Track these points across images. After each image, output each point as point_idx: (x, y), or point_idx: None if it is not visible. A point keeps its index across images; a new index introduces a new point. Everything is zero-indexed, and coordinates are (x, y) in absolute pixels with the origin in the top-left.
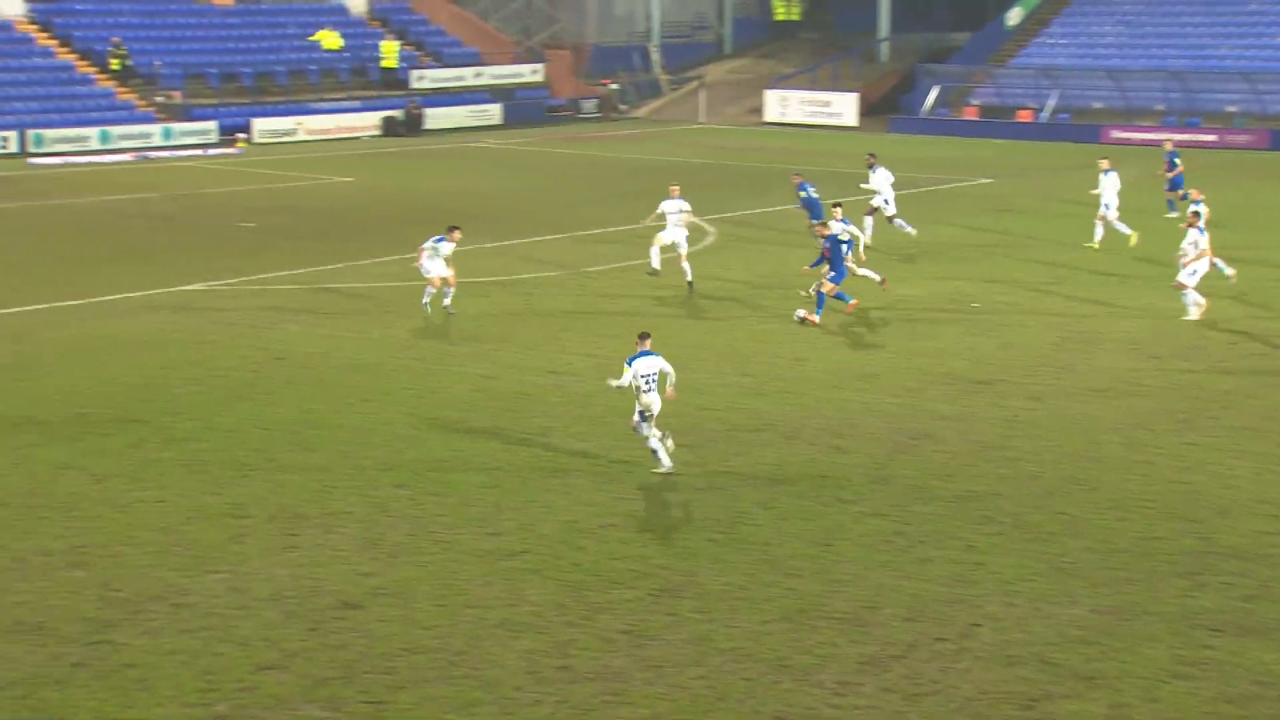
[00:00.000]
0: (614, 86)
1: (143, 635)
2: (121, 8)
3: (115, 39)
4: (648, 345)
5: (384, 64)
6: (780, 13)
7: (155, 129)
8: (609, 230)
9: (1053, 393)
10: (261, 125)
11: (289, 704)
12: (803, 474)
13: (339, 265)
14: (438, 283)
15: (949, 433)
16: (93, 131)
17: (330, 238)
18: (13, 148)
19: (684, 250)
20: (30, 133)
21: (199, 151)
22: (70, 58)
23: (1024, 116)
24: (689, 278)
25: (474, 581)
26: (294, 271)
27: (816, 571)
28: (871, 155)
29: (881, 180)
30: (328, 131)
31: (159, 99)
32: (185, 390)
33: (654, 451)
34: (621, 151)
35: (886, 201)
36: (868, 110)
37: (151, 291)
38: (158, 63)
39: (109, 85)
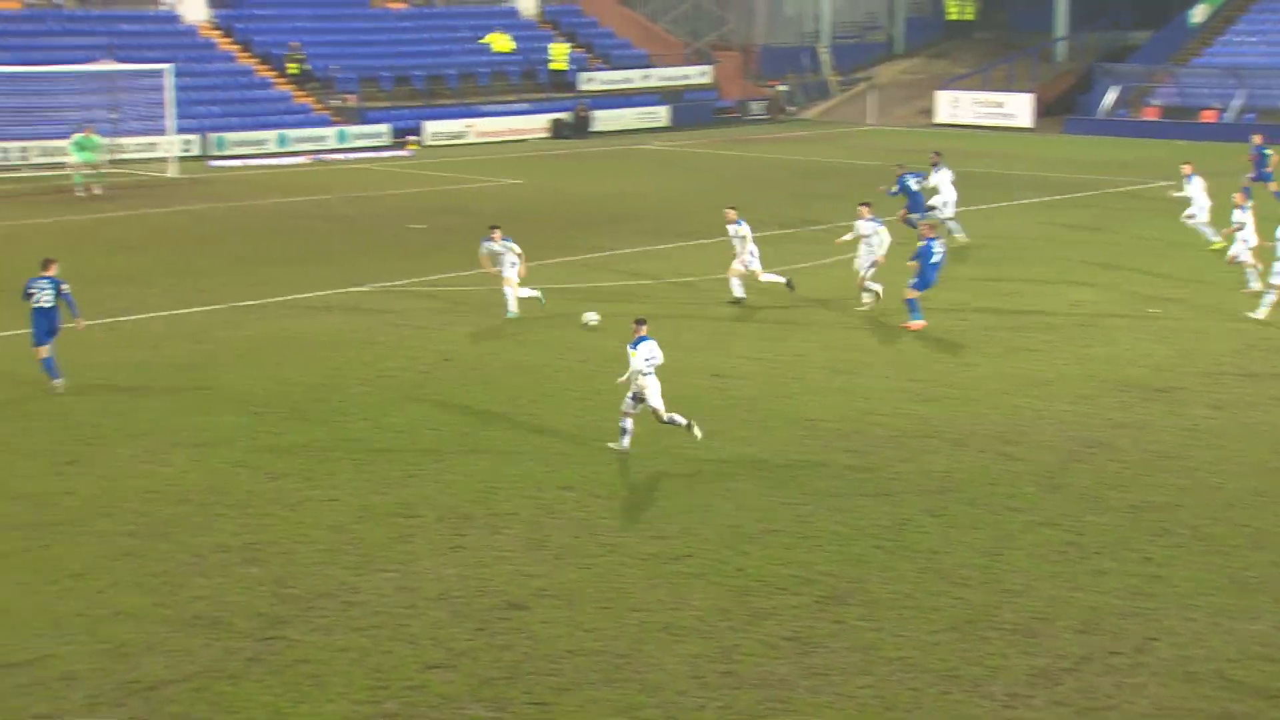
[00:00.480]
0: (782, 88)
1: (314, 632)
2: (299, 12)
3: (293, 43)
4: (644, 331)
5: (553, 66)
6: (953, 12)
7: (330, 132)
8: (777, 233)
9: (1235, 401)
10: (432, 128)
11: (456, 703)
12: (971, 481)
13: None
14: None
15: (1125, 441)
16: (271, 134)
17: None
18: (195, 150)
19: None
20: (212, 136)
21: (372, 154)
22: (250, 62)
23: (1208, 117)
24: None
25: (638, 585)
26: (463, 273)
27: (986, 581)
28: (936, 154)
29: (943, 180)
30: (497, 134)
31: (334, 102)
32: (357, 390)
33: (624, 430)
34: (790, 153)
35: (945, 204)
36: (1043, 111)
37: (326, 292)
38: (334, 66)
39: (287, 89)
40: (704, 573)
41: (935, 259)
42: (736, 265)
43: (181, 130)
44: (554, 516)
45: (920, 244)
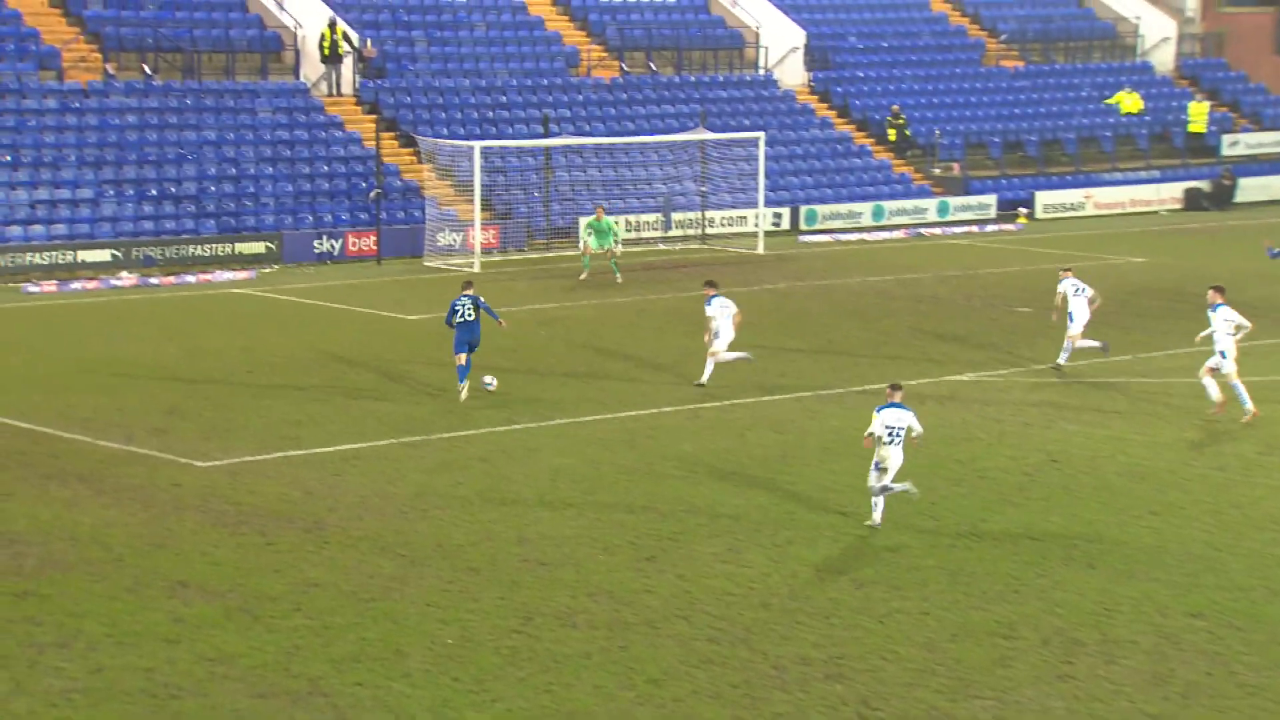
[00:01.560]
0: None
1: None
2: (904, 73)
3: (895, 107)
4: (898, 397)
5: (1191, 128)
6: None
7: (930, 203)
8: None
9: None
10: (1045, 198)
11: None
12: None
13: (1125, 357)
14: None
15: None
16: (866, 206)
17: (1116, 326)
18: (785, 224)
19: None
20: (803, 209)
21: (975, 228)
22: (847, 128)
23: None
24: None
25: None
26: (1072, 363)
27: None
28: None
29: None
30: (1119, 205)
31: (936, 171)
32: (949, 491)
33: (875, 504)
34: None
35: None
36: None
37: (917, 381)
38: (938, 131)
39: (885, 157)
40: None
41: None
42: None
43: (770, 203)
44: (1180, 648)
45: None
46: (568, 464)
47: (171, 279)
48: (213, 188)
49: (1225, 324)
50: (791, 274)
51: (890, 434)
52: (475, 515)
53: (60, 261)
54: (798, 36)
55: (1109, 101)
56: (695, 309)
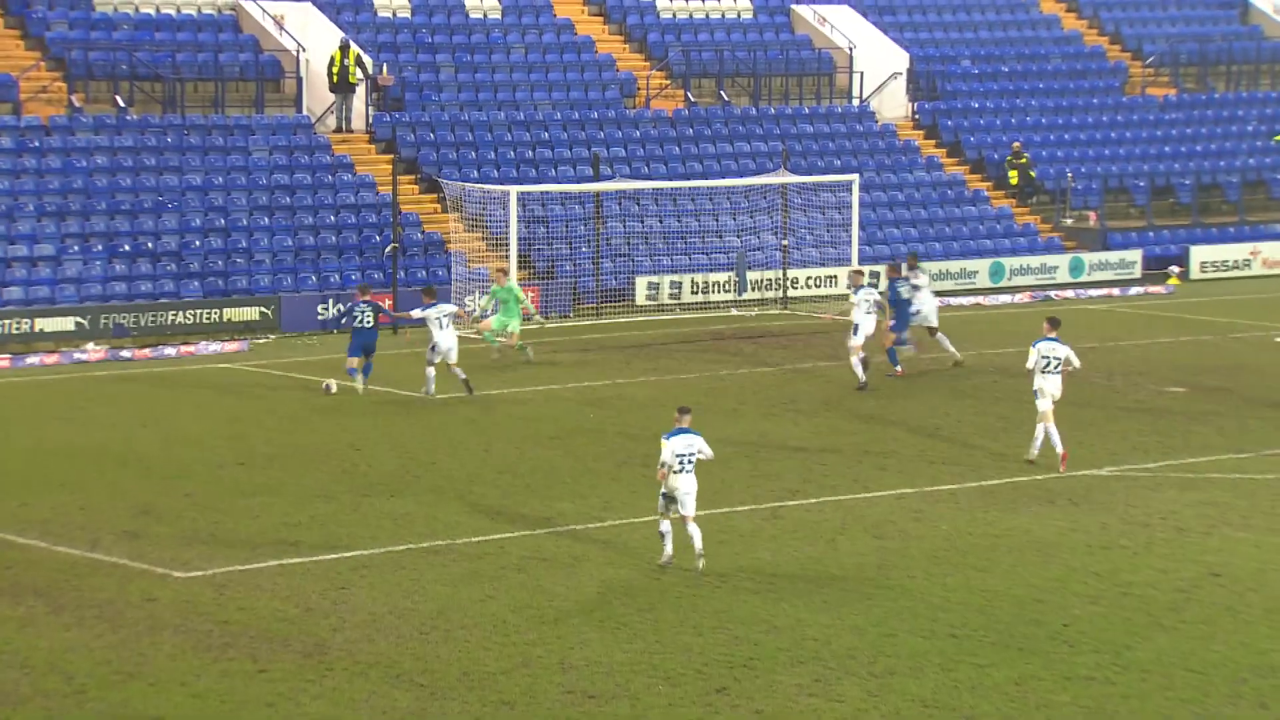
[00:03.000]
0: None
1: None
2: (1029, 104)
3: (1017, 144)
4: (686, 421)
5: None
6: None
7: (1061, 260)
8: None
9: None
10: (1202, 254)
11: None
12: None
13: None
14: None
15: None
16: (982, 264)
17: None
18: (883, 285)
19: None
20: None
21: (1115, 291)
22: (959, 169)
23: None
24: None
25: None
26: (1237, 456)
27: None
28: None
29: None
30: None
31: (1068, 221)
32: (1085, 611)
33: (661, 535)
34: None
35: None
36: None
37: (1041, 476)
38: (1070, 174)
39: (1006, 204)
40: None
41: None
42: None
43: (866, 259)
44: None
45: None
46: (621, 575)
47: (147, 352)
48: (197, 242)
49: None
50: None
51: (681, 462)
52: (509, 636)
53: (14, 332)
54: (900, 60)
55: (1279, 138)
56: (774, 383)
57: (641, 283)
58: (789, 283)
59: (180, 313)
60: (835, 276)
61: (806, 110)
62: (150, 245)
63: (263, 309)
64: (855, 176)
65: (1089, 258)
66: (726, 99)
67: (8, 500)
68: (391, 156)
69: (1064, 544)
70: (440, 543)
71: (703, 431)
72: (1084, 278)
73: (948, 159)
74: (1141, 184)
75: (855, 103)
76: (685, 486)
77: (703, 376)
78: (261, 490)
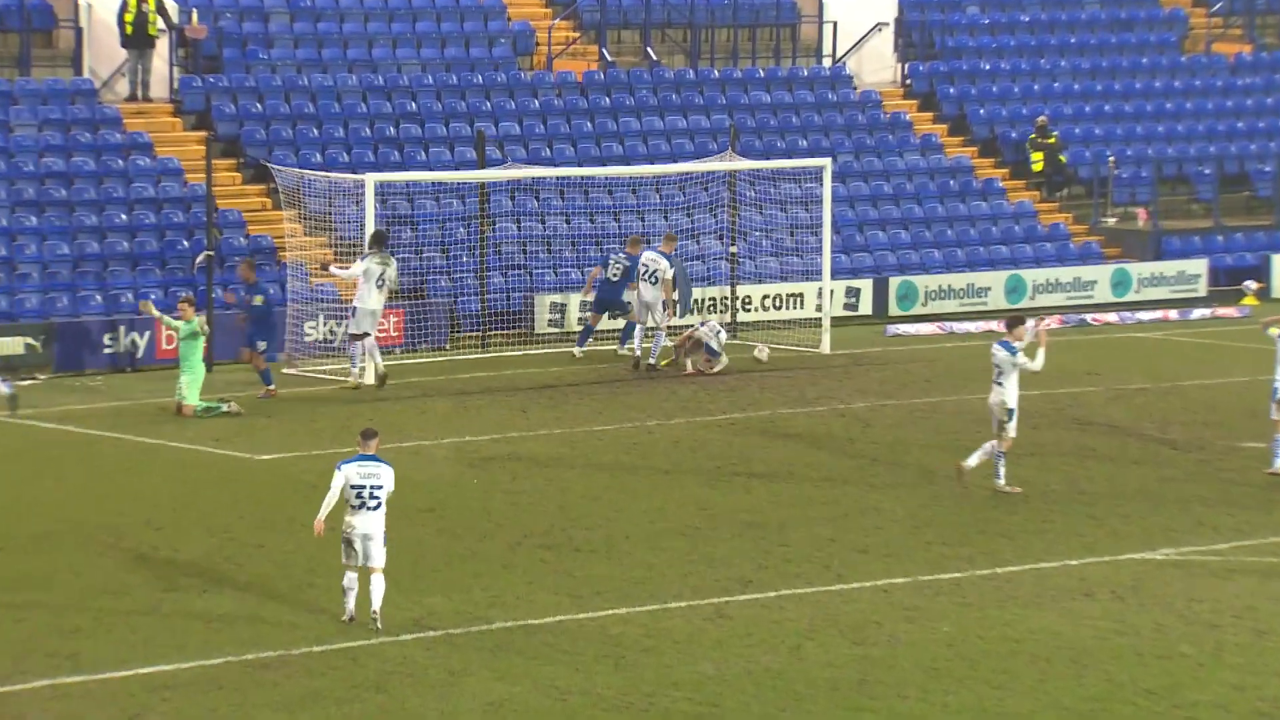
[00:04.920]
0: None
1: None
2: (1055, 65)
3: (1042, 119)
4: (372, 447)
5: None
6: None
7: (1101, 273)
8: None
9: None
10: None
11: None
12: None
13: None
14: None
15: None
16: (996, 277)
17: None
18: (864, 305)
19: None
20: (894, 281)
21: (1172, 312)
22: (965, 151)
23: None
24: None
25: None
26: None
27: None
28: None
29: None
30: None
31: (1110, 220)
32: None
33: (345, 590)
34: None
35: None
36: None
37: (1075, 561)
38: (1112, 158)
39: (1026, 197)
40: None
41: None
42: None
43: (842, 271)
44: None
45: None
46: (513, 694)
47: None
48: None
49: None
50: (874, 388)
51: (360, 496)
52: None
53: None
54: (886, 7)
55: None
56: (720, 436)
57: (543, 303)
58: (738, 303)
59: None
60: (801, 294)
61: (761, 74)
62: None
63: (28, 341)
64: (827, 161)
65: (1138, 269)
66: (655, 58)
67: None
68: (204, 134)
69: (1106, 651)
70: (270, 654)
71: (626, 506)
72: (1130, 295)
73: (949, 138)
74: (1207, 172)
75: (826, 63)
76: (366, 527)
77: (624, 428)
78: (22, 586)
